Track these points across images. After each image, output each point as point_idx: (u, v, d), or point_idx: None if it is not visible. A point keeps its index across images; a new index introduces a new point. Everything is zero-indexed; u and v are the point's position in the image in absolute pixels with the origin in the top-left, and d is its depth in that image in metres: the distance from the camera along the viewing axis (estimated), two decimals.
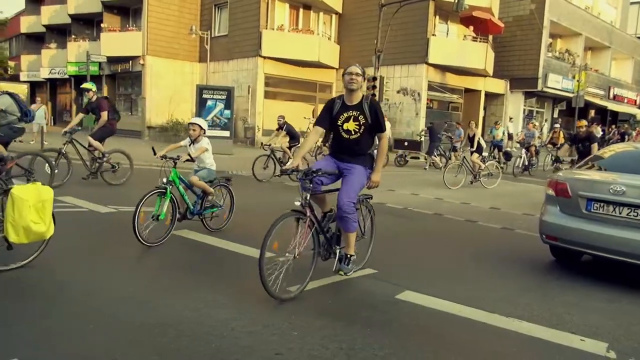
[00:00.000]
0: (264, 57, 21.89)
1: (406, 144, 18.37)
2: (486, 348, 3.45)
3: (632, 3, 38.44)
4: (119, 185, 9.19)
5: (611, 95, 31.66)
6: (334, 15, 24.32)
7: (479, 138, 13.11)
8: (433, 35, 21.59)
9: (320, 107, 24.70)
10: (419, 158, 18.35)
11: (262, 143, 14.19)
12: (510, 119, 25.64)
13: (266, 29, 21.87)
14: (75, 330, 3.26)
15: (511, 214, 8.97)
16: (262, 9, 21.81)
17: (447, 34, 23.37)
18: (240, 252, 5.33)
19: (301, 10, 23.54)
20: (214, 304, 3.81)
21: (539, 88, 25.55)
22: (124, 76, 26.61)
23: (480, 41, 22.56)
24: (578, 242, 4.96)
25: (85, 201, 7.50)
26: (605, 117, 31.82)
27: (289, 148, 11.87)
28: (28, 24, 34.78)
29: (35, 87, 31.47)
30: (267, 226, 3.81)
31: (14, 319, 3.37)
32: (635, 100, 35.04)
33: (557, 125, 19.83)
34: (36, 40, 34.36)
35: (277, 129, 12.26)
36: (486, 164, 13.09)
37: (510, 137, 25.33)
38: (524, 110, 27.42)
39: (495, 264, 5.61)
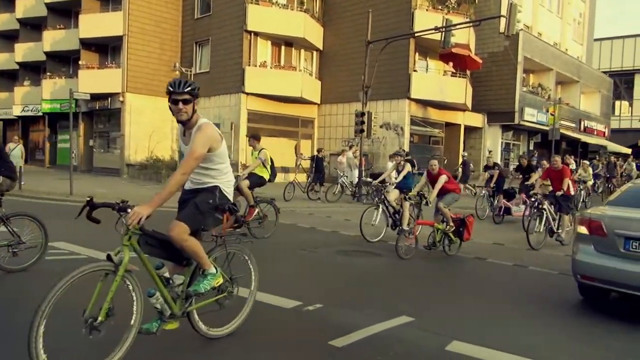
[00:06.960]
0: (247, 94, 21.81)
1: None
2: None
3: (595, 40, 40.26)
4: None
5: (582, 128, 32.70)
6: (315, 52, 24.58)
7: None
8: (414, 71, 21.98)
9: (303, 142, 24.60)
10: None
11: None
12: (490, 152, 26.05)
13: (249, 65, 21.88)
14: None
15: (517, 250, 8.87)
16: (245, 46, 21.87)
17: (427, 69, 23.85)
18: None
19: (283, 47, 23.70)
20: None
21: (516, 121, 26.15)
22: (100, 113, 26.09)
23: (459, 76, 23.07)
24: (617, 282, 4.80)
25: (82, 247, 7.06)
26: (577, 148, 32.73)
27: None
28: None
29: (6, 125, 30.57)
30: None
31: None
32: (604, 132, 36.30)
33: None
34: (8, 78, 33.55)
35: None
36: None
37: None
38: (502, 143, 27.96)
39: (528, 305, 5.39)
